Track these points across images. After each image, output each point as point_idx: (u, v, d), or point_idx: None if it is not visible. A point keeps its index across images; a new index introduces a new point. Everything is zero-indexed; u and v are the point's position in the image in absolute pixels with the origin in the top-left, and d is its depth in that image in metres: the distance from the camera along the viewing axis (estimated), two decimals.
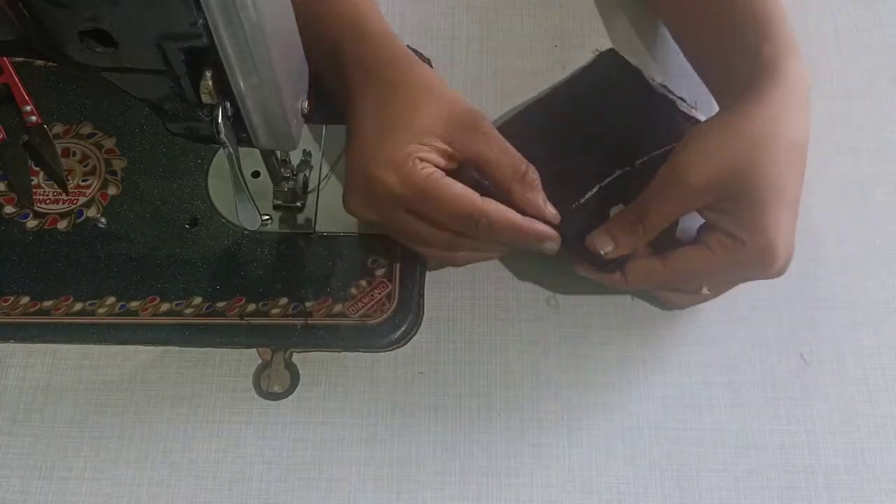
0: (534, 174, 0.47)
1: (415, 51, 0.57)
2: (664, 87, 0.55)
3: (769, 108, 0.44)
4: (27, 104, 0.56)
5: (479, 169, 0.47)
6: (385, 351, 0.51)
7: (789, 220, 0.45)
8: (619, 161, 0.51)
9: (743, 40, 0.47)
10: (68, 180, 0.55)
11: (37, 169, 0.55)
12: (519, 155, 0.47)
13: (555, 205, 0.48)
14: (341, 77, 0.50)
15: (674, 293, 0.50)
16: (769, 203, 0.44)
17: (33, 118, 0.56)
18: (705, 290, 0.48)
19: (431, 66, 0.58)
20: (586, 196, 0.50)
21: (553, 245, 0.48)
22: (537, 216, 0.47)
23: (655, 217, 0.46)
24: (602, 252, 0.47)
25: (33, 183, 0.55)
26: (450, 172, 0.47)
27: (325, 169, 0.55)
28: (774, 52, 0.46)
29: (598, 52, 0.57)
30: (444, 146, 0.46)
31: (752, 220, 0.44)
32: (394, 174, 0.45)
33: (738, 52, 0.48)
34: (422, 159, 0.45)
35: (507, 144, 0.47)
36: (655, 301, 0.52)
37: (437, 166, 0.46)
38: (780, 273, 0.46)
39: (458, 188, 0.46)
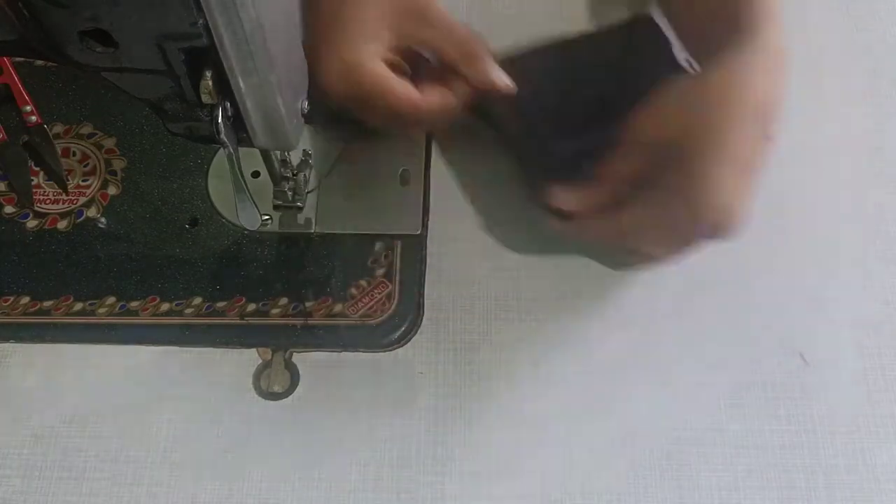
0: (478, 47, 0.49)
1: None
2: (690, 63, 0.53)
3: (732, 72, 0.45)
4: (27, 104, 0.56)
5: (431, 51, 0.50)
6: (385, 351, 0.51)
7: (738, 182, 0.44)
8: (618, 123, 0.50)
9: (723, 5, 0.48)
10: (68, 180, 0.55)
11: (37, 169, 0.55)
12: (463, 33, 0.49)
13: (543, 139, 0.49)
14: None
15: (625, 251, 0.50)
16: (712, 160, 0.43)
17: (33, 118, 0.56)
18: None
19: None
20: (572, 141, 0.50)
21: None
22: (490, 87, 0.49)
23: (609, 172, 0.47)
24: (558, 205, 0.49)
25: (33, 183, 0.55)
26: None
27: (325, 169, 0.55)
28: (751, 17, 0.46)
29: (635, 13, 0.56)
30: (393, 38, 0.48)
31: (692, 176, 0.44)
32: (342, 78, 0.47)
33: (718, 16, 0.48)
34: (377, 58, 0.48)
35: (452, 26, 0.49)
36: (655, 301, 0.52)
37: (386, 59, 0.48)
38: (724, 233, 0.44)
39: (398, 88, 0.47)
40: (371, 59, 0.47)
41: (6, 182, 0.55)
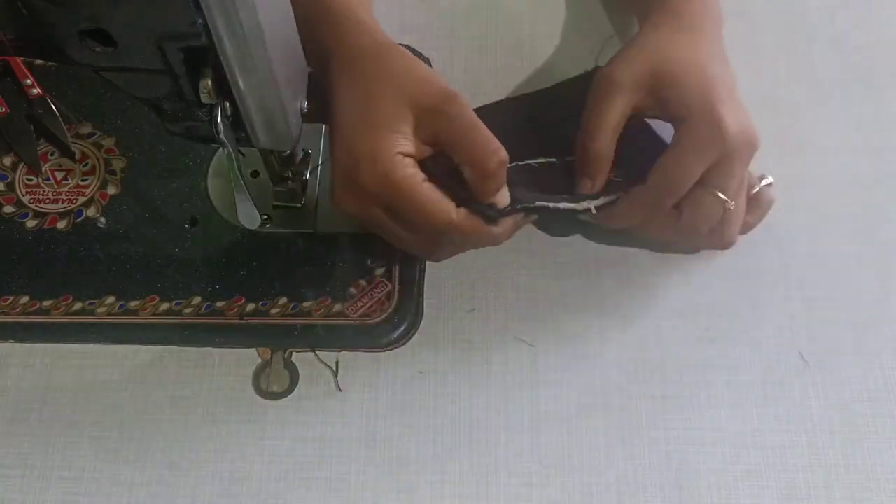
0: (491, 162, 0.45)
1: (414, 51, 0.58)
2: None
3: (684, 19, 0.49)
4: (27, 78, 0.56)
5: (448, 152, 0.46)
6: (385, 351, 0.51)
7: (730, 99, 0.46)
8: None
9: None
10: (67, 180, 0.55)
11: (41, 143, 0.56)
12: (483, 140, 0.45)
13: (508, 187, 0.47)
14: (320, 62, 0.49)
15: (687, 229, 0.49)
16: (701, 81, 0.46)
17: (35, 90, 0.56)
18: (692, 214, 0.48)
19: (431, 66, 0.58)
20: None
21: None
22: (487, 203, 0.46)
23: (597, 127, 0.48)
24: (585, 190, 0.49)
25: (33, 182, 0.55)
26: (432, 158, 0.46)
27: (325, 168, 0.55)
28: None
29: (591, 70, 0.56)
30: (416, 132, 0.45)
31: (690, 95, 0.46)
32: (371, 169, 0.44)
33: None
34: (403, 154, 0.44)
35: (474, 128, 0.45)
36: (656, 301, 0.52)
37: (418, 156, 0.45)
38: (737, 146, 0.45)
39: (434, 196, 0.45)
40: (402, 163, 0.44)
41: (12, 154, 0.55)
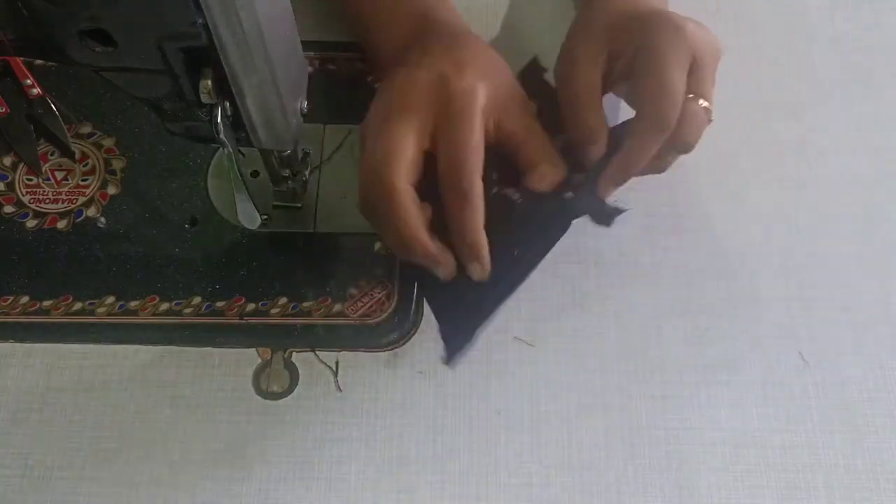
0: (466, 171, 0.45)
1: None
2: None
3: None
4: (27, 78, 0.56)
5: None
6: (385, 351, 0.51)
7: (685, 18, 0.47)
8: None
9: None
10: (67, 180, 0.55)
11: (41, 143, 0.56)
12: (473, 143, 0.45)
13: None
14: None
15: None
16: (654, 9, 0.49)
17: (35, 91, 0.56)
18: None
19: None
20: None
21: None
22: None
23: (577, 97, 0.48)
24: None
25: (33, 182, 0.55)
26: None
27: (325, 168, 0.55)
28: None
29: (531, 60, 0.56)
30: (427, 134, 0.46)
31: (649, 19, 0.47)
32: (368, 183, 0.46)
33: None
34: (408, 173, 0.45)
35: (468, 132, 0.45)
36: (655, 300, 0.52)
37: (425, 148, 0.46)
38: (704, 48, 0.47)
39: (410, 214, 0.45)
40: (401, 174, 0.45)
41: (12, 154, 0.55)
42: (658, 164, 0.50)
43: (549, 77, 0.53)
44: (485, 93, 0.46)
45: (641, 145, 0.47)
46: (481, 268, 0.47)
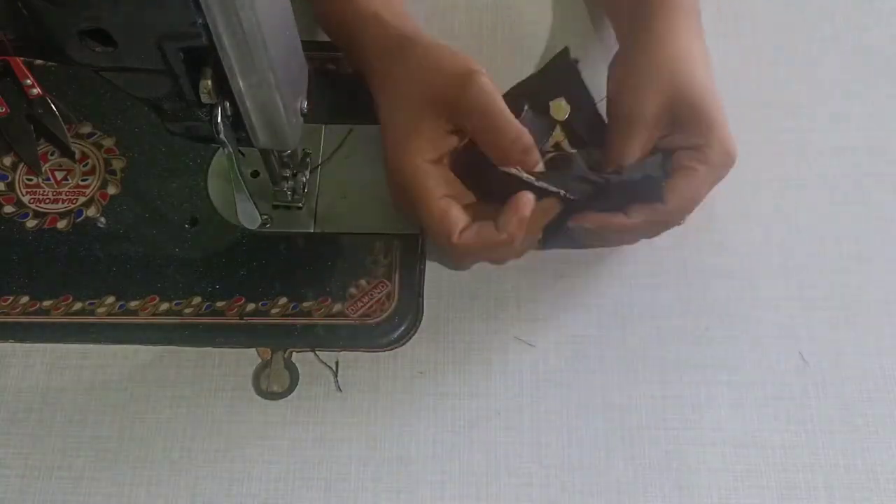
0: (517, 153, 0.46)
1: None
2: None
3: (672, 29, 0.49)
4: (27, 78, 0.56)
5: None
6: (385, 351, 0.51)
7: (724, 113, 0.48)
8: None
9: None
10: (67, 180, 0.55)
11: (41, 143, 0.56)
12: (505, 127, 0.46)
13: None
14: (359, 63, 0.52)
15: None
16: (712, 104, 0.48)
17: (35, 90, 0.56)
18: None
19: None
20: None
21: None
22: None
23: (622, 161, 0.49)
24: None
25: (33, 182, 0.55)
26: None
27: (325, 168, 0.55)
28: None
29: (561, 50, 0.58)
30: (439, 126, 0.47)
31: (707, 123, 0.47)
32: (394, 180, 0.48)
33: None
34: (425, 160, 0.46)
35: (494, 114, 0.45)
36: (655, 301, 0.52)
37: (445, 150, 0.47)
38: (734, 161, 0.48)
39: (443, 214, 0.46)
40: (423, 168, 0.46)
41: (12, 154, 0.55)
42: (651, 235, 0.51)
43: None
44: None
45: (642, 224, 0.48)
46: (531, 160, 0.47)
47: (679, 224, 0.49)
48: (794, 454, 0.48)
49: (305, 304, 0.51)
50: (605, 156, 0.50)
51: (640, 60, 0.50)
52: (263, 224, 0.51)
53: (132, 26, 0.36)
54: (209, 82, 0.38)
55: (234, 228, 0.53)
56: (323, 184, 0.54)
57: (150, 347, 0.51)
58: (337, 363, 0.50)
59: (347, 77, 0.58)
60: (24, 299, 0.52)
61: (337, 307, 0.51)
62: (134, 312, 0.51)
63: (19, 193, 0.55)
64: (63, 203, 0.55)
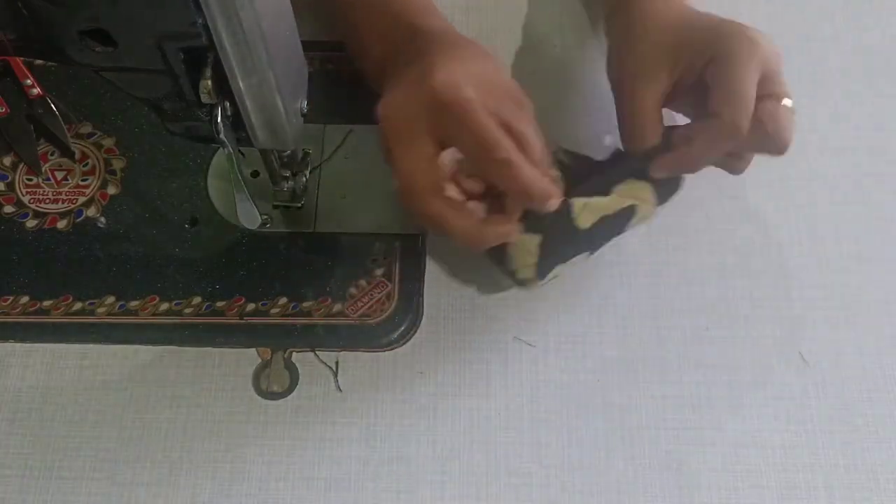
0: (503, 151, 0.44)
1: None
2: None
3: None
4: (27, 78, 0.56)
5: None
6: (385, 351, 0.51)
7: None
8: None
9: None
10: (67, 180, 0.55)
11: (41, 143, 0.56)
12: (491, 137, 0.44)
13: None
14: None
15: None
16: (714, 19, 0.49)
17: (35, 91, 0.56)
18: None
19: None
20: None
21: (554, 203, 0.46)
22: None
23: (639, 123, 0.48)
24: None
25: (33, 182, 0.55)
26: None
27: (325, 168, 0.55)
28: None
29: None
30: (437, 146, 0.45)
31: (715, 31, 0.48)
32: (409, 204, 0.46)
33: None
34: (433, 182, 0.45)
35: (480, 129, 0.44)
36: (655, 301, 0.52)
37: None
38: (770, 53, 0.47)
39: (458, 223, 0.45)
40: (429, 188, 0.45)
41: (12, 154, 0.55)
42: (737, 166, 0.50)
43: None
44: (474, 92, 0.45)
45: (710, 149, 0.47)
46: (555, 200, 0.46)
47: (780, 147, 0.47)
48: (794, 454, 0.48)
49: (305, 304, 0.51)
50: (622, 128, 0.49)
51: (633, 14, 0.50)
52: (263, 224, 0.51)
53: (132, 26, 0.36)
54: (209, 82, 0.38)
55: (234, 228, 0.53)
56: (323, 184, 0.54)
57: (150, 347, 0.51)
58: (337, 363, 0.50)
59: (347, 77, 0.58)
60: (24, 299, 0.52)
61: (337, 307, 0.51)
62: (134, 312, 0.51)
63: (19, 193, 0.55)
64: (63, 203, 0.55)
